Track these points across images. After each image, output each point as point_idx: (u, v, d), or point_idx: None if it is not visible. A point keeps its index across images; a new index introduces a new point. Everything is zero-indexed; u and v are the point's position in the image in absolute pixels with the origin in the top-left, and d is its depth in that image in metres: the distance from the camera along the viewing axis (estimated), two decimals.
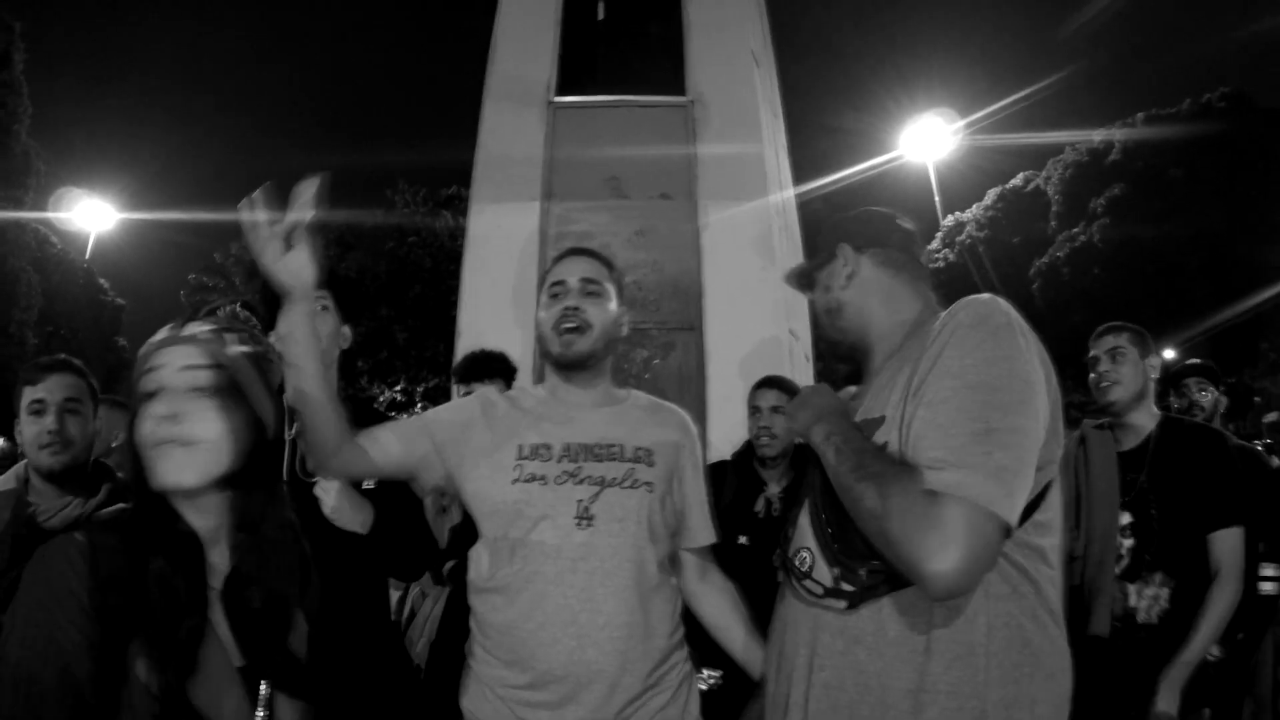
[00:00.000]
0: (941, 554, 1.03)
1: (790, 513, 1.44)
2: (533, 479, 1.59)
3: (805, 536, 1.32)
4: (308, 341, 1.48)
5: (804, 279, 1.59)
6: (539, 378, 3.78)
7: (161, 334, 1.16)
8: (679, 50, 4.64)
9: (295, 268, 1.44)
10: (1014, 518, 1.08)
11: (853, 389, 1.54)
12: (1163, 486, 2.32)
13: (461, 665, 1.67)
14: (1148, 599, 2.29)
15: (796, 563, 1.31)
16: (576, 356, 1.65)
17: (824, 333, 1.57)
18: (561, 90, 4.48)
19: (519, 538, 1.56)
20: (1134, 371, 2.45)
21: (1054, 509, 1.22)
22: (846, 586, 1.20)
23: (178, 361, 1.12)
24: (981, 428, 1.09)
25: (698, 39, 4.62)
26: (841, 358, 1.56)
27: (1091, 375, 2.52)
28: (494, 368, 2.99)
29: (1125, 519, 2.36)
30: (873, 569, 1.17)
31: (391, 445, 1.63)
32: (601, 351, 1.69)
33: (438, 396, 20.17)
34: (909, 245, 1.50)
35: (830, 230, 1.54)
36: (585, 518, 1.55)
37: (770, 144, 4.47)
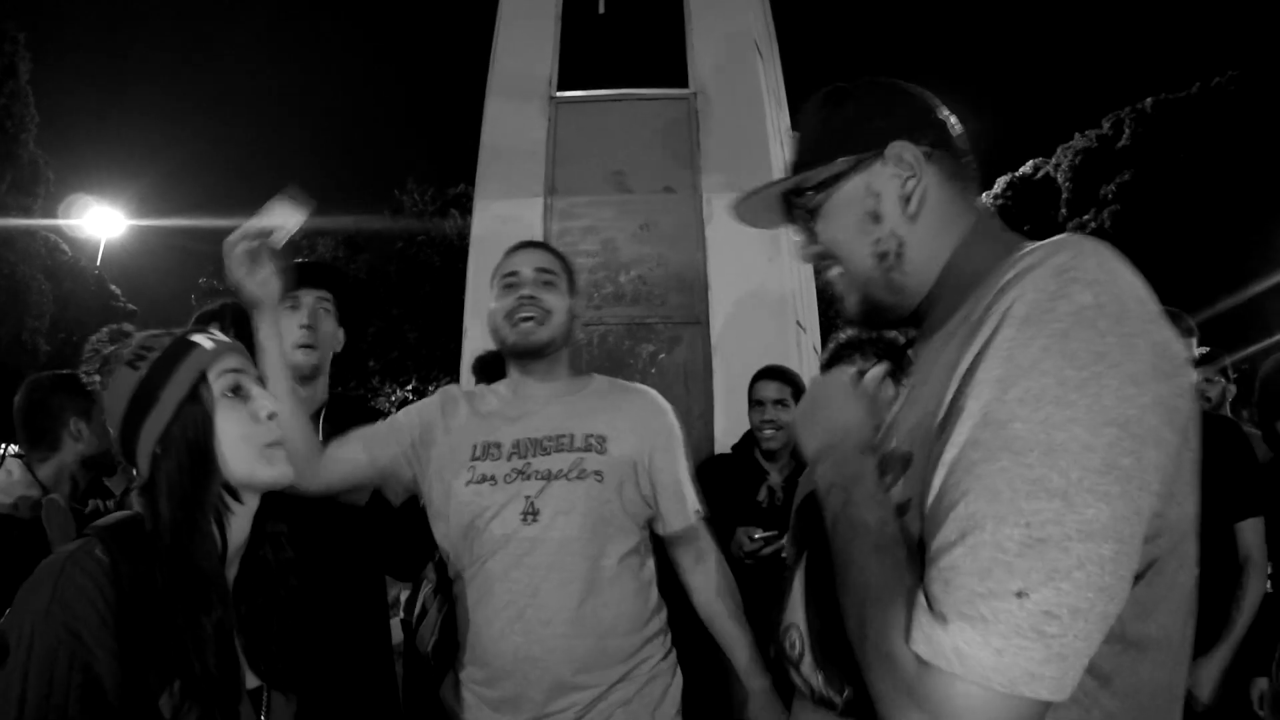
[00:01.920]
0: None
1: (789, 562, 1.10)
2: (484, 479, 1.59)
3: (795, 611, 0.98)
4: (275, 353, 1.52)
5: (797, 201, 1.01)
6: None
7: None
8: (680, 43, 4.59)
9: (261, 280, 1.51)
10: (1063, 690, 0.63)
11: (882, 372, 1.09)
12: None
13: None
14: None
15: (786, 645, 0.98)
16: (536, 344, 1.65)
17: (865, 290, 0.98)
18: (563, 85, 4.45)
19: (474, 537, 1.57)
20: None
21: (1164, 585, 0.74)
22: (834, 697, 0.90)
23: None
24: (1021, 535, 0.63)
25: (699, 30, 4.57)
26: (881, 326, 1.04)
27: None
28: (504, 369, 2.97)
29: None
30: (848, 700, 0.87)
31: (358, 453, 1.64)
32: (559, 340, 1.68)
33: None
34: (966, 146, 0.98)
35: (861, 115, 0.97)
36: (531, 513, 1.54)
37: (775, 135, 4.42)
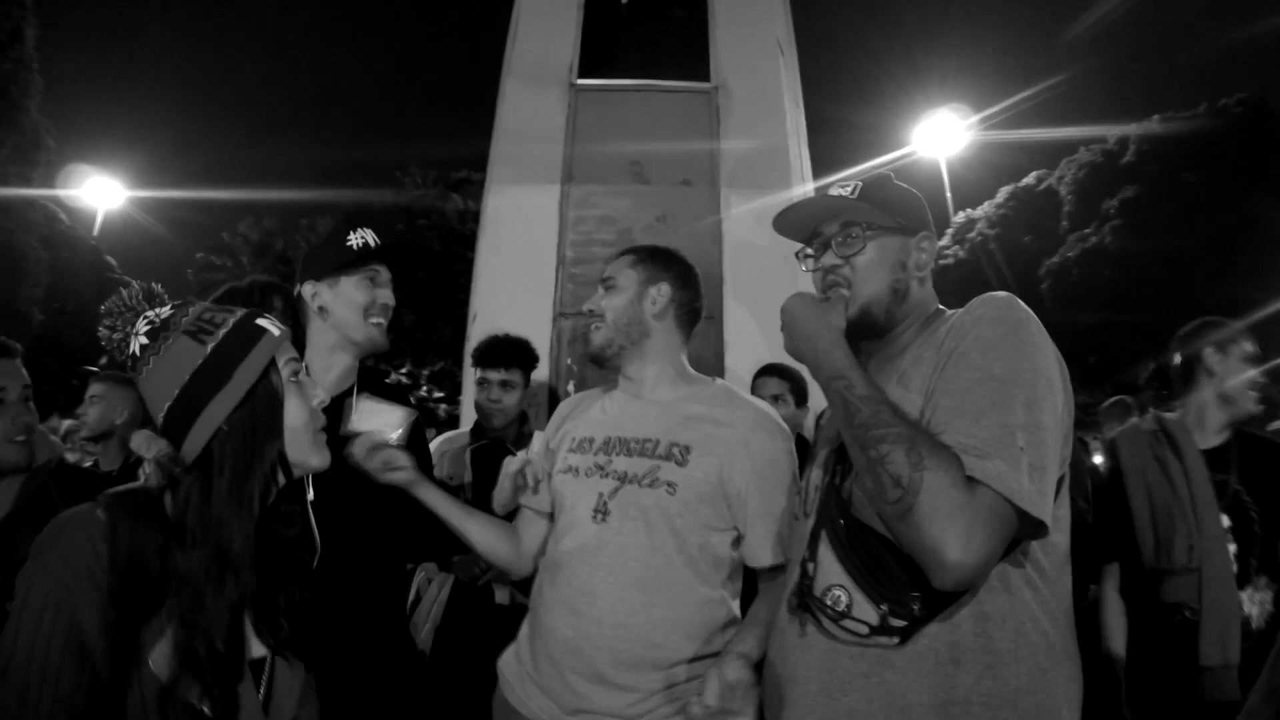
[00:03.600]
0: (966, 544, 0.99)
1: (804, 543, 1.28)
2: (568, 470, 1.64)
3: (832, 572, 1.17)
4: (448, 508, 1.70)
5: (849, 223, 1.37)
6: (555, 365, 3.78)
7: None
8: (702, 35, 4.57)
9: (395, 477, 1.64)
10: (1048, 515, 1.06)
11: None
12: (1254, 487, 2.21)
13: (465, 653, 1.69)
14: (1259, 605, 2.15)
15: (829, 602, 1.16)
16: (592, 351, 1.72)
17: (868, 304, 1.34)
18: (583, 72, 4.41)
19: (555, 525, 1.66)
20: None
21: (1065, 504, 1.19)
22: (897, 622, 1.10)
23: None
24: (1012, 421, 1.06)
25: (723, 25, 4.55)
26: (854, 335, 1.34)
27: (1246, 377, 2.32)
28: (514, 355, 2.93)
29: (1225, 522, 2.19)
30: (926, 599, 1.08)
31: (542, 509, 1.75)
32: (620, 340, 1.68)
33: (443, 379, 20.18)
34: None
35: (913, 203, 1.41)
36: (602, 511, 1.55)
37: (794, 134, 4.40)
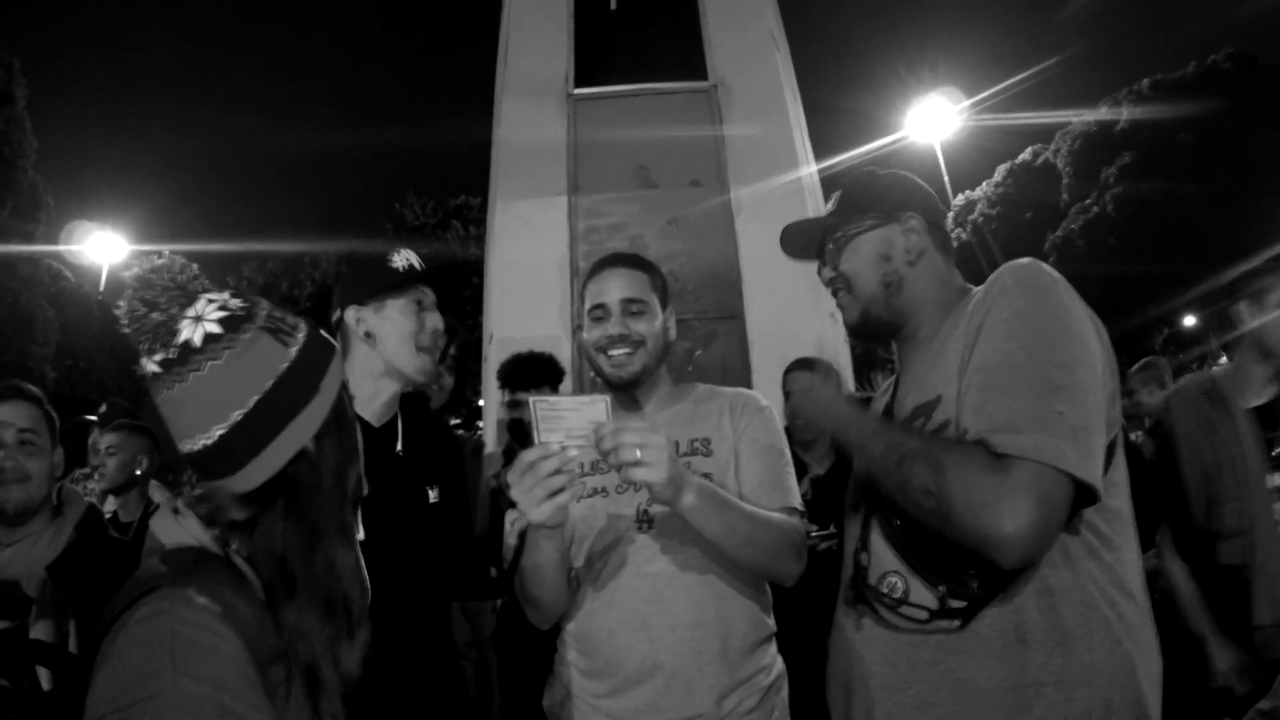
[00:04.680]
0: (1013, 516, 0.98)
1: (855, 537, 1.30)
2: (595, 493, 1.59)
3: (886, 560, 1.19)
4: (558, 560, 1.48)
5: (832, 237, 1.41)
6: (579, 377, 3.72)
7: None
8: (695, 35, 4.55)
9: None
10: (1096, 478, 1.02)
11: (854, 389, 1.45)
12: None
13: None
14: None
15: (885, 589, 1.17)
16: (629, 377, 1.63)
17: (867, 306, 1.37)
18: (579, 82, 4.39)
19: (591, 551, 1.56)
20: None
21: (1122, 467, 1.15)
22: (956, 603, 1.09)
23: None
24: (1046, 386, 1.04)
25: (715, 23, 4.52)
26: (870, 338, 1.45)
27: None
28: (542, 374, 2.89)
29: (1275, 481, 2.16)
30: (984, 576, 1.07)
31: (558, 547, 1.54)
32: (653, 364, 1.65)
33: (456, 405, 20.18)
34: (949, 229, 1.44)
35: (886, 192, 1.41)
36: (646, 521, 1.54)
37: (796, 126, 4.36)
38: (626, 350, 1.60)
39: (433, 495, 1.73)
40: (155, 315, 0.88)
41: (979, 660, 1.08)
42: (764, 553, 1.44)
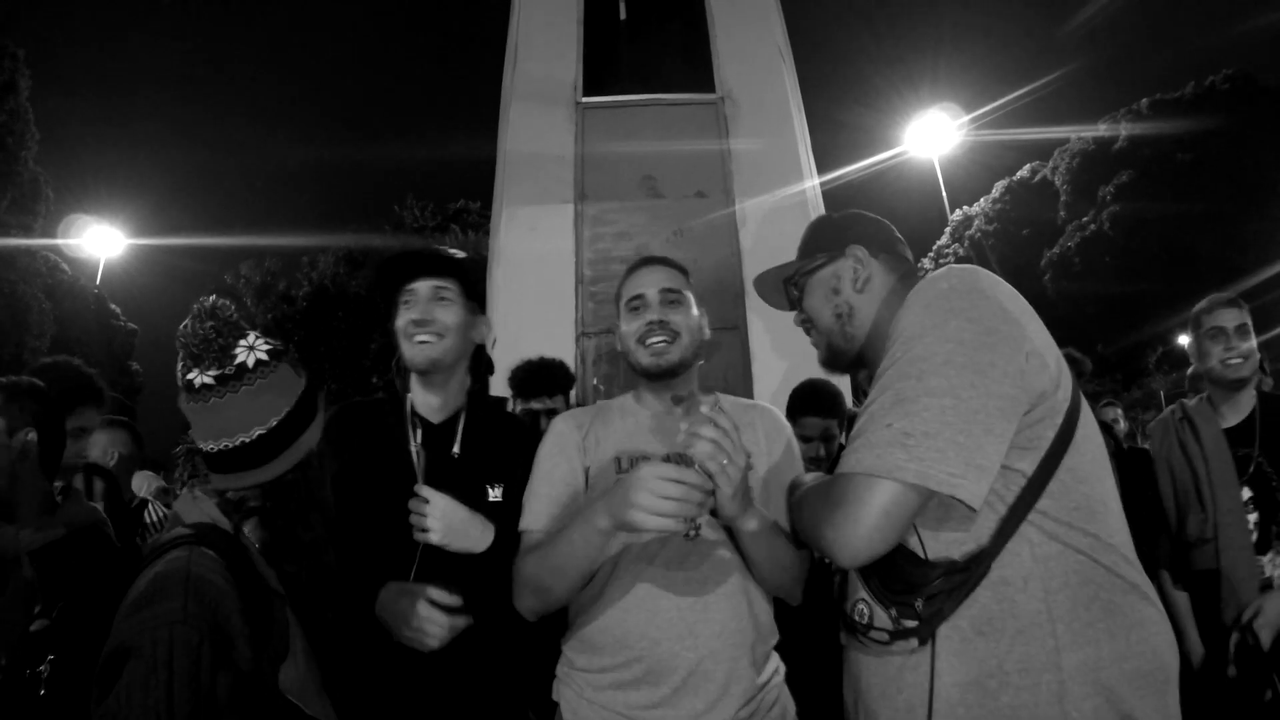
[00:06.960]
0: (832, 525, 1.09)
1: (838, 566, 1.32)
2: None
3: (857, 587, 1.26)
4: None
5: (791, 282, 1.51)
6: (581, 385, 3.74)
7: None
8: (703, 47, 4.57)
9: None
10: (928, 477, 1.05)
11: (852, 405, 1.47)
12: (1276, 456, 2.32)
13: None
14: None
15: (855, 616, 1.24)
16: (669, 365, 1.63)
17: (828, 339, 1.44)
18: (587, 91, 4.41)
19: (629, 553, 1.52)
20: (1254, 347, 2.42)
21: (1087, 454, 1.16)
22: (908, 623, 1.14)
23: None
24: (890, 399, 1.11)
25: (723, 36, 4.55)
26: (840, 370, 1.49)
27: (1216, 349, 2.42)
28: (555, 382, 2.87)
29: (1246, 494, 2.33)
30: (929, 595, 1.12)
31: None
32: (691, 358, 1.66)
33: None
34: (907, 252, 1.48)
35: (833, 231, 1.48)
36: (693, 526, 1.51)
37: (801, 140, 4.40)
38: (665, 339, 1.62)
39: (495, 494, 1.72)
40: (220, 341, 1.16)
41: (943, 659, 1.11)
42: (791, 578, 1.54)
